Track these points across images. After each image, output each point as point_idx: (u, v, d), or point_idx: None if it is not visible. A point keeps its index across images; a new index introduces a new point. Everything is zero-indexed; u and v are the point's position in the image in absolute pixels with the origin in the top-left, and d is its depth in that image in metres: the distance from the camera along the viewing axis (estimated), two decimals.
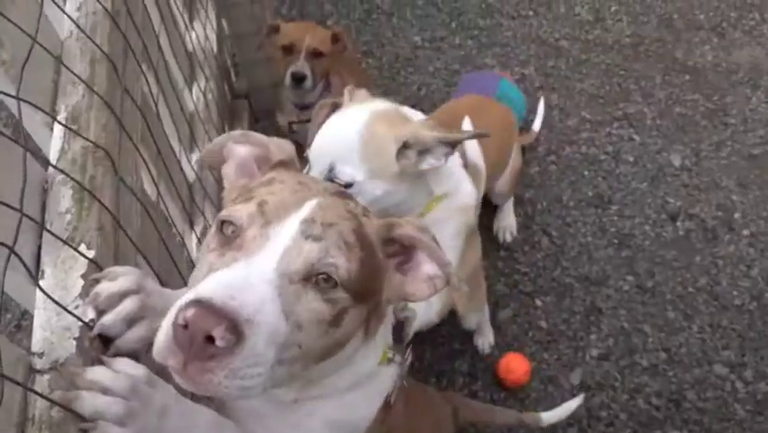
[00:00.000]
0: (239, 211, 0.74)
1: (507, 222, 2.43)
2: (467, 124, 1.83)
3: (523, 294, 2.34)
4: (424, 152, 1.37)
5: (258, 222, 0.73)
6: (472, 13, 3.22)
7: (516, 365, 2.13)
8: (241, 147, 0.90)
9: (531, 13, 3.21)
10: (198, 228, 1.61)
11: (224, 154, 0.90)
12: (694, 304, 2.31)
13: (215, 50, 2.09)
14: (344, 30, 2.34)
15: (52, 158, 0.81)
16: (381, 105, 1.44)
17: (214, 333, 0.59)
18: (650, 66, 2.96)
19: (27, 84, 0.79)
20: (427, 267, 0.83)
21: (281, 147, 0.90)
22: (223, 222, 0.75)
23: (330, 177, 1.33)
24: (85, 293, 0.74)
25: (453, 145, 1.39)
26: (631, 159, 2.67)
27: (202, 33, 1.96)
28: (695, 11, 3.16)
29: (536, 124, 2.66)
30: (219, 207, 1.80)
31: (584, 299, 2.33)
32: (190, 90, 1.86)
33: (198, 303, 0.61)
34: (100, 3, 0.99)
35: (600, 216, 2.52)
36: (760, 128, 2.72)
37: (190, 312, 0.60)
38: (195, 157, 1.75)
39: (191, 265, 1.41)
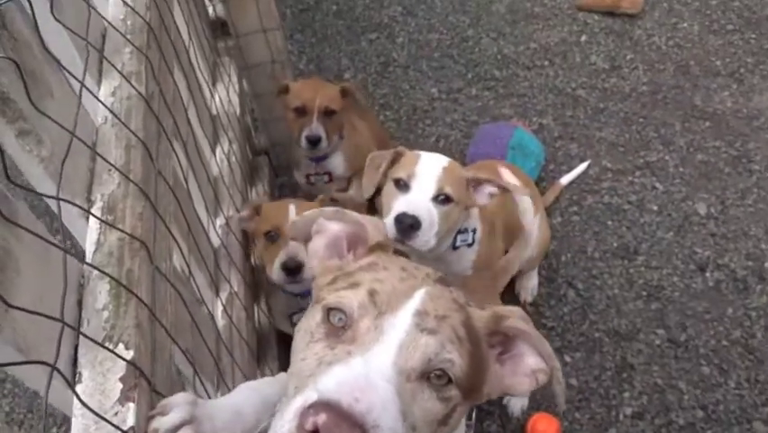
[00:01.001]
0: (347, 299, 0.72)
1: (531, 283, 2.39)
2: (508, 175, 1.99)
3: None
4: None
5: (370, 313, 0.71)
6: (488, 64, 3.25)
7: (544, 426, 2.06)
8: (333, 224, 0.88)
9: (547, 63, 3.23)
10: (224, 295, 1.60)
11: (312, 229, 0.89)
12: (729, 358, 2.24)
13: (238, 111, 2.11)
14: (359, 83, 2.37)
15: (88, 250, 0.80)
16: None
17: None
18: (669, 113, 2.95)
19: (64, 175, 0.79)
20: (531, 360, 0.81)
21: (377, 227, 0.88)
22: (329, 309, 0.73)
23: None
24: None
25: None
26: (655, 208, 2.63)
27: (225, 96, 1.98)
28: (711, 57, 3.16)
29: (566, 179, 2.64)
30: (244, 273, 1.79)
31: (614, 354, 2.27)
32: (214, 153, 1.87)
33: (327, 406, 0.59)
34: (134, 87, 0.99)
35: (627, 268, 2.47)
36: None
37: (322, 419, 0.58)
38: (219, 222, 1.75)
39: (218, 337, 1.39)
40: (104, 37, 1.01)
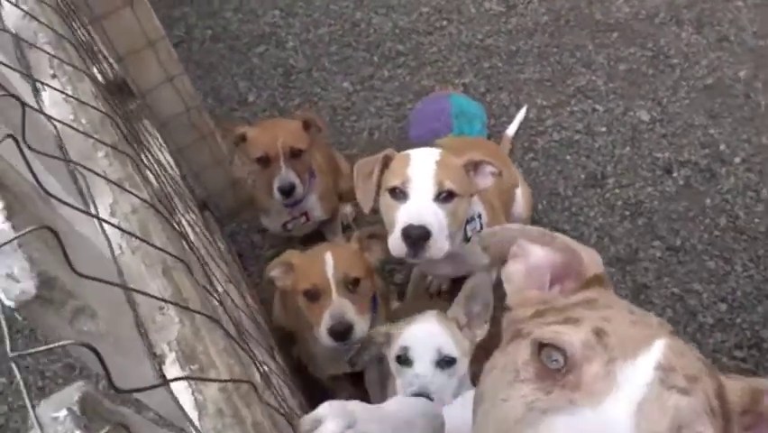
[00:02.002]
0: (567, 336, 0.59)
1: None
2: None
3: None
4: None
5: (599, 356, 0.57)
6: (389, 41, 3.12)
7: None
8: (536, 248, 0.75)
9: (445, 22, 3.16)
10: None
11: (511, 250, 0.75)
12: (726, 245, 2.29)
13: (178, 172, 1.86)
14: (315, 113, 2.16)
15: (194, 417, 0.59)
16: None
17: None
18: (577, 35, 2.97)
19: (124, 342, 0.59)
20: None
21: (593, 258, 0.73)
22: (542, 345, 0.60)
23: None
24: None
25: None
26: (603, 129, 2.64)
27: (165, 161, 1.72)
28: None
29: (510, 130, 2.58)
30: (267, 341, 1.58)
31: (625, 280, 2.26)
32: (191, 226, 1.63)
33: None
34: (135, 195, 0.77)
35: (602, 194, 2.47)
36: (702, 59, 2.78)
37: None
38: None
39: None
40: (62, 148, 0.77)
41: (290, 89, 3.00)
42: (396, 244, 1.47)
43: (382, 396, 1.73)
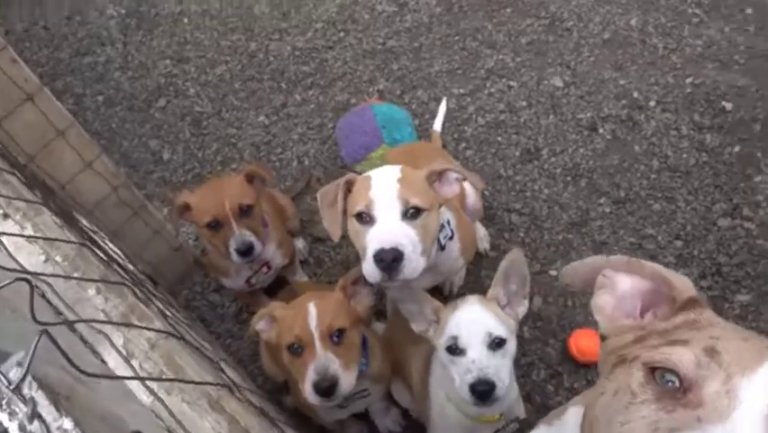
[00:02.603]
0: (678, 356, 0.60)
1: (482, 233, 2.33)
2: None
3: (535, 274, 2.27)
4: None
5: (716, 374, 0.58)
6: (292, 65, 3.05)
7: (587, 342, 2.05)
8: (624, 278, 0.74)
9: (342, 34, 3.12)
10: None
11: (598, 281, 0.75)
12: (665, 185, 2.40)
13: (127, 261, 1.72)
14: (256, 164, 2.04)
15: None
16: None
17: None
18: (472, 19, 3.02)
19: None
20: None
21: (684, 282, 0.72)
22: (653, 369, 0.61)
23: None
24: None
25: None
26: (524, 103, 2.70)
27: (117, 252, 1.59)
28: None
29: (437, 125, 2.58)
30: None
31: (585, 242, 2.32)
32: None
33: None
34: (153, 330, 0.68)
35: (541, 166, 2.52)
36: (594, 16, 2.90)
37: None
38: None
39: None
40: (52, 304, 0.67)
41: (204, 137, 2.87)
42: (369, 270, 1.42)
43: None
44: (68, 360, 0.45)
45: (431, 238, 1.50)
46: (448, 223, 1.65)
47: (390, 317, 2.14)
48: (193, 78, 3.09)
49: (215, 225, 1.76)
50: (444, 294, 2.20)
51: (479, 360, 1.34)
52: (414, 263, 1.41)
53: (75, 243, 0.71)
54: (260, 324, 1.56)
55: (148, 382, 0.58)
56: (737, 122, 2.52)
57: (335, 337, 1.42)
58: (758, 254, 2.19)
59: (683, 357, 0.60)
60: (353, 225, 1.50)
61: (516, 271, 1.37)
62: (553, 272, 2.26)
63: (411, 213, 1.45)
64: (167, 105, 3.01)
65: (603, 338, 0.75)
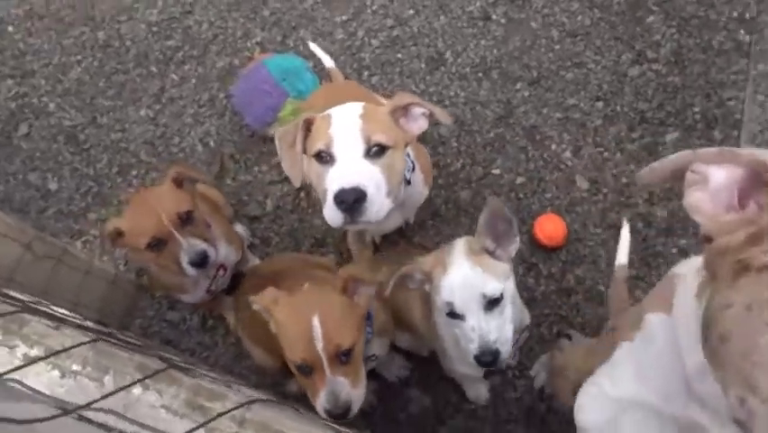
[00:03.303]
0: None
1: None
2: None
3: (480, 179, 2.25)
4: None
5: None
6: (154, 43, 2.74)
7: (552, 227, 2.08)
8: (716, 170, 0.67)
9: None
10: None
11: (687, 178, 0.69)
12: (571, 52, 2.41)
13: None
14: (178, 164, 1.83)
15: None
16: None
17: None
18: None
19: None
20: None
21: None
22: None
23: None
24: None
25: None
26: (411, 11, 2.59)
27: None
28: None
29: (327, 62, 2.44)
30: None
31: (516, 131, 2.31)
32: None
33: None
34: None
35: (449, 70, 2.45)
36: None
37: None
38: None
39: None
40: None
41: (87, 151, 2.56)
42: (330, 213, 1.33)
43: None
44: None
45: (397, 178, 1.42)
46: (408, 155, 1.57)
47: (358, 259, 2.08)
48: (48, 92, 2.72)
49: (158, 244, 1.58)
50: (403, 227, 2.15)
51: (478, 327, 1.30)
52: (378, 205, 1.33)
53: (89, 341, 0.57)
54: (255, 306, 1.44)
55: None
56: None
57: (343, 357, 1.33)
58: (672, 91, 2.28)
59: None
60: (313, 165, 1.40)
61: (499, 214, 1.31)
62: (496, 171, 2.26)
63: (374, 151, 1.36)
64: (30, 131, 2.64)
65: (708, 239, 0.70)
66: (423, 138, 2.31)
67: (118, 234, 1.57)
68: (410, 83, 2.45)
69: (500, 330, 1.31)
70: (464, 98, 2.39)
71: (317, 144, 1.36)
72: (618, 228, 2.07)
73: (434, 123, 2.32)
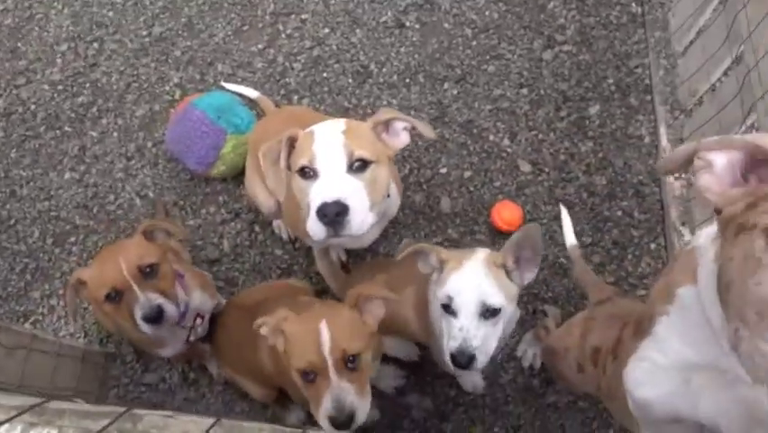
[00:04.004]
0: None
1: None
2: None
3: (429, 180, 2.32)
4: None
5: None
6: (62, 102, 2.60)
7: (509, 213, 2.17)
8: (719, 155, 0.79)
9: (97, 45, 2.69)
10: None
11: (695, 165, 0.81)
12: (487, 47, 2.53)
13: None
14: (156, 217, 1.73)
15: None
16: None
17: None
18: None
19: None
20: None
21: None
22: None
23: None
24: None
25: None
26: (327, 30, 2.62)
27: None
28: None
29: (250, 93, 2.44)
30: None
31: (452, 128, 2.39)
32: None
33: None
34: None
35: (376, 82, 2.50)
36: None
37: None
38: None
39: None
40: None
41: (14, 227, 2.39)
42: (313, 227, 1.36)
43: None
44: None
45: (380, 192, 1.46)
46: None
47: (337, 284, 2.08)
48: None
49: (115, 296, 1.53)
50: None
51: (466, 328, 1.34)
52: (360, 218, 1.37)
53: None
54: (263, 330, 1.42)
55: None
56: None
57: (350, 363, 1.33)
58: (585, 68, 2.45)
59: None
60: (297, 181, 1.43)
61: (532, 242, 1.34)
62: (443, 170, 2.33)
63: (357, 166, 1.39)
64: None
65: (718, 211, 0.82)
66: None
67: (80, 283, 1.51)
68: (342, 100, 2.48)
69: (485, 341, 1.34)
70: (397, 106, 2.45)
71: (301, 160, 1.39)
72: (566, 201, 2.20)
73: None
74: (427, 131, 1.48)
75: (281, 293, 1.90)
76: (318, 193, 1.35)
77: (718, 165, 0.80)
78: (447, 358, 1.37)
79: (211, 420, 0.56)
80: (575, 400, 1.96)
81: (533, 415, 1.97)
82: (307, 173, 1.39)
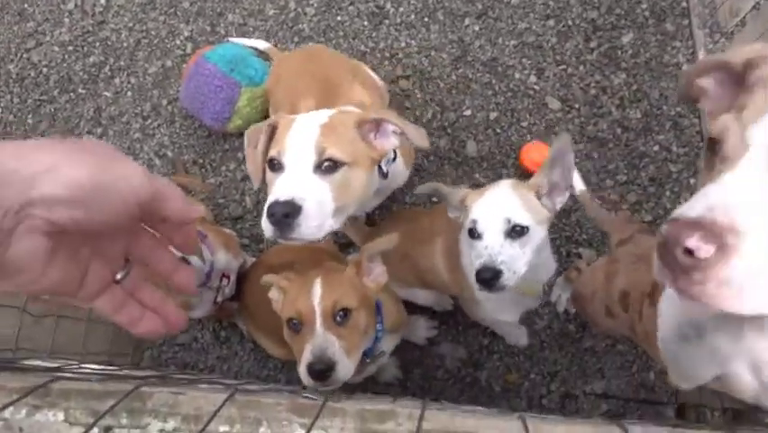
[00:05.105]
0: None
1: None
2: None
3: (454, 123, 2.22)
4: None
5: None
6: (74, 63, 2.54)
7: (537, 155, 2.08)
8: (707, 80, 0.82)
9: (104, 0, 2.61)
10: None
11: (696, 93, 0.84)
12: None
13: None
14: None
15: None
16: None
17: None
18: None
19: None
20: None
21: (735, 52, 0.77)
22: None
23: None
24: None
25: None
26: None
27: None
28: None
29: (261, 45, 2.32)
30: None
31: (476, 67, 2.28)
32: None
33: None
34: None
35: (393, 22, 2.38)
36: None
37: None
38: None
39: None
40: None
41: None
42: (263, 224, 1.23)
43: None
44: None
45: (351, 197, 1.32)
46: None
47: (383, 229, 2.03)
48: None
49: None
50: None
51: (491, 246, 1.27)
52: (315, 223, 1.22)
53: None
54: (272, 293, 1.40)
55: None
56: None
57: (339, 317, 1.27)
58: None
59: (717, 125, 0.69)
60: (267, 171, 1.34)
61: (562, 158, 1.26)
62: (468, 112, 2.23)
63: (327, 166, 1.27)
64: None
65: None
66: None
67: None
68: (358, 44, 2.37)
69: (513, 260, 1.27)
70: (417, 47, 2.33)
71: (272, 151, 1.30)
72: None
73: (390, 79, 2.28)
74: (419, 138, 1.34)
75: (310, 257, 1.86)
76: (276, 189, 1.24)
77: (711, 91, 0.81)
78: (473, 279, 1.29)
79: (224, 396, 0.52)
80: (613, 344, 1.91)
81: (569, 360, 1.93)
82: (275, 165, 1.29)
